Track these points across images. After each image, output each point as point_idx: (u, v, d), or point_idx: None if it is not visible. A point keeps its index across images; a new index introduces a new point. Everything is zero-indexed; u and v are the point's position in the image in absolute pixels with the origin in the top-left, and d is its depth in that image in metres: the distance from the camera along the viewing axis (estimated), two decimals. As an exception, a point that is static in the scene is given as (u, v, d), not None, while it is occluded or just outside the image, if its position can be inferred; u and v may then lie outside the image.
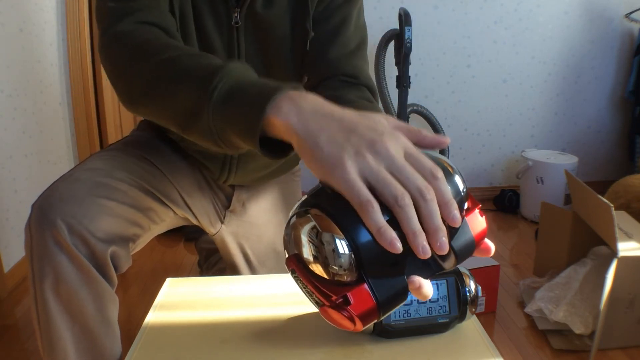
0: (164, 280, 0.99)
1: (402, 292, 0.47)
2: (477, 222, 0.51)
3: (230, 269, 1.19)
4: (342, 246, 0.44)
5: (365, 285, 0.45)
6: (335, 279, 0.45)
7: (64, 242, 0.76)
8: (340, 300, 0.45)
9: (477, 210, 0.51)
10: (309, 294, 0.48)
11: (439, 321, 0.80)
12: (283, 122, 0.48)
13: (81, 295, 0.78)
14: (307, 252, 0.46)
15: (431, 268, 0.50)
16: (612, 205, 1.37)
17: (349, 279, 0.45)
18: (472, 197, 0.52)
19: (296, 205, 0.48)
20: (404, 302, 0.49)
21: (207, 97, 0.55)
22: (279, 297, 0.87)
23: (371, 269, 0.45)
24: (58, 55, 2.20)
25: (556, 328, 1.53)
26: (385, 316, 0.47)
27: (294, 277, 0.48)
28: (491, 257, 1.70)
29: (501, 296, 1.76)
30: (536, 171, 2.42)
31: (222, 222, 1.12)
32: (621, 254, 1.36)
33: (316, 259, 0.45)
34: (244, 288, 0.89)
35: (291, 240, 0.48)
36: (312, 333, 0.80)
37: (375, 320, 0.47)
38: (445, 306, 0.81)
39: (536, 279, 1.80)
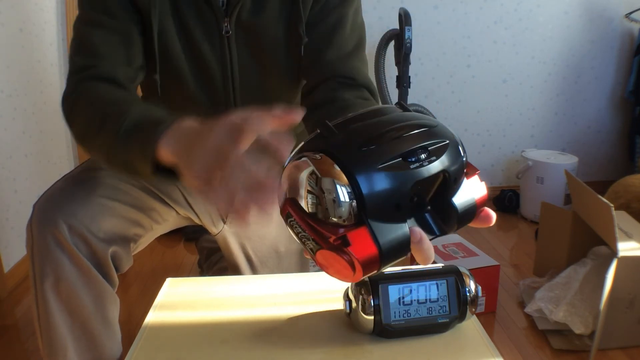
0: (164, 280, 0.99)
1: (404, 242, 0.45)
2: (477, 186, 0.51)
3: (231, 268, 1.20)
4: (343, 188, 0.43)
5: (367, 228, 0.43)
6: (335, 220, 0.43)
7: (64, 241, 0.76)
8: (339, 241, 0.43)
9: (476, 176, 0.51)
10: (306, 239, 0.46)
11: (439, 321, 0.80)
12: (165, 152, 0.58)
13: (81, 295, 0.78)
14: (305, 193, 0.45)
15: (432, 229, 0.48)
16: (612, 205, 1.37)
17: (349, 222, 0.43)
18: (471, 165, 0.52)
19: (292, 153, 0.48)
20: (405, 256, 0.47)
21: (115, 142, 0.66)
22: (279, 297, 0.87)
23: (372, 210, 0.43)
24: (58, 55, 2.20)
25: (556, 328, 1.53)
26: (385, 267, 0.45)
27: (290, 223, 0.47)
28: (491, 257, 1.70)
29: (501, 296, 1.76)
30: (536, 171, 2.42)
31: (224, 222, 1.13)
32: (621, 254, 1.36)
33: (315, 199, 0.44)
34: (244, 288, 0.89)
35: (287, 184, 0.47)
36: (312, 333, 0.80)
37: (375, 271, 0.45)
38: (445, 306, 0.81)
39: (536, 279, 1.80)
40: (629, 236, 1.48)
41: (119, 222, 0.85)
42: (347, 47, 0.92)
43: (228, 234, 1.15)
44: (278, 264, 1.18)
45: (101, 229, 0.80)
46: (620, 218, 1.61)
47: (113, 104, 0.71)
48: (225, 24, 0.85)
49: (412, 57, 2.35)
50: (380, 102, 0.95)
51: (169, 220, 1.01)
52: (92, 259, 0.79)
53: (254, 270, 1.17)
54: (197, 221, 1.10)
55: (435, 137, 0.48)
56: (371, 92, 0.91)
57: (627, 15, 2.58)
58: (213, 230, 1.14)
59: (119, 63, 0.81)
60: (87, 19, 0.81)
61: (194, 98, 0.91)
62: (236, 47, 0.88)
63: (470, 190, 0.51)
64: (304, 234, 0.46)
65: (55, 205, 0.78)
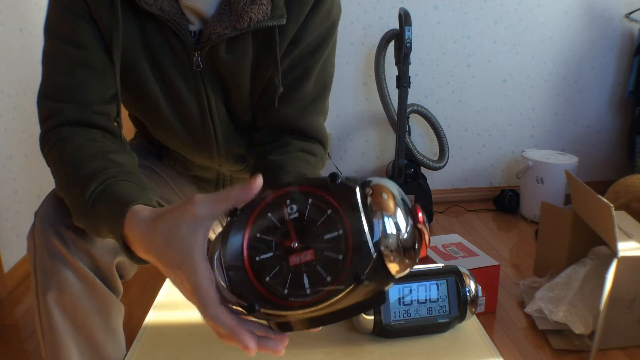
0: (164, 280, 0.99)
1: None
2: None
3: None
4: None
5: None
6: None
7: (67, 254, 0.74)
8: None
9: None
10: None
11: (439, 321, 0.80)
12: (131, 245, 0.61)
13: (86, 307, 0.77)
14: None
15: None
16: (612, 205, 1.37)
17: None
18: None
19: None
20: None
21: (84, 210, 0.67)
22: (279, 297, 0.87)
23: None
24: (58, 55, 2.20)
25: (556, 328, 1.53)
26: None
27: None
28: (491, 257, 1.70)
29: (501, 296, 1.76)
30: (536, 171, 2.42)
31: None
32: (621, 254, 1.36)
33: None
34: (244, 288, 0.89)
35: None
36: (312, 333, 0.80)
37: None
38: (445, 306, 0.81)
39: (536, 279, 1.80)
40: (629, 236, 1.48)
41: None
42: (306, 99, 0.86)
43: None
44: None
45: (105, 240, 0.79)
46: (620, 218, 1.61)
47: (76, 171, 0.71)
48: (196, 58, 0.80)
49: (412, 57, 2.35)
50: (329, 152, 0.93)
51: None
52: (97, 271, 0.78)
53: None
54: None
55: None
56: (321, 143, 0.88)
57: (627, 15, 2.57)
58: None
59: (88, 102, 0.77)
60: (53, 53, 0.77)
61: (175, 132, 0.89)
62: (209, 80, 0.83)
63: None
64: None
65: (58, 215, 0.75)
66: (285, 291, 0.47)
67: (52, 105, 0.76)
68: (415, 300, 0.80)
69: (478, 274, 1.60)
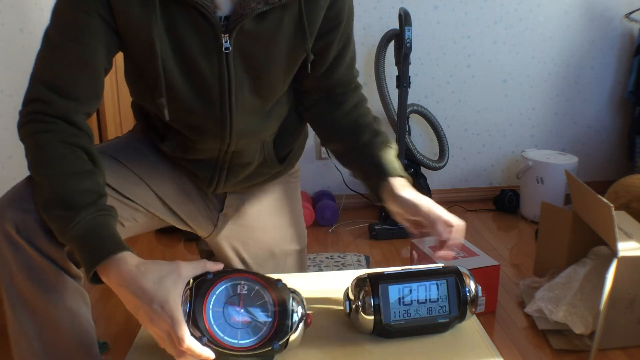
0: (164, 280, 0.99)
1: None
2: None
3: None
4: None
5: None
6: None
7: (14, 235, 0.78)
8: None
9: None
10: None
11: (439, 321, 0.80)
12: (107, 283, 0.74)
13: (37, 289, 0.80)
14: None
15: None
16: (612, 205, 1.37)
17: None
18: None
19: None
20: None
21: (61, 238, 0.77)
22: (279, 297, 0.87)
23: None
24: (58, 55, 2.19)
25: (556, 328, 1.53)
26: None
27: None
28: (491, 257, 1.70)
29: (501, 296, 1.76)
30: (536, 171, 2.42)
31: (215, 225, 1.11)
32: (621, 254, 1.36)
33: None
34: (244, 288, 0.89)
35: None
36: (313, 333, 0.80)
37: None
38: (445, 306, 0.80)
39: (536, 279, 1.80)
40: (629, 236, 1.48)
41: None
42: (349, 62, 1.02)
43: (220, 237, 1.13)
44: (275, 266, 1.17)
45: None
46: (620, 218, 1.61)
47: (63, 184, 0.78)
48: (225, 40, 0.84)
49: (412, 57, 2.35)
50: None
51: (137, 221, 1.00)
52: (46, 254, 0.80)
53: None
54: (182, 226, 1.09)
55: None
56: (360, 85, 1.08)
57: (627, 15, 2.57)
58: (203, 233, 1.12)
59: (78, 100, 0.82)
60: (56, 42, 0.82)
61: (191, 112, 0.91)
62: (234, 62, 0.87)
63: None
64: None
65: (12, 198, 0.80)
66: (224, 336, 0.72)
67: (45, 92, 0.81)
68: (415, 300, 0.80)
69: (478, 274, 1.60)
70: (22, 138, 0.83)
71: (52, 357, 0.82)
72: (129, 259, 0.74)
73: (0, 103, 1.75)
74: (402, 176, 0.93)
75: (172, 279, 0.72)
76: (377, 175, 0.94)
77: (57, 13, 0.82)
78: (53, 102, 0.81)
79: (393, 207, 0.90)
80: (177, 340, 0.69)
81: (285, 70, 0.93)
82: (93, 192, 0.78)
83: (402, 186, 0.91)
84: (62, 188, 0.77)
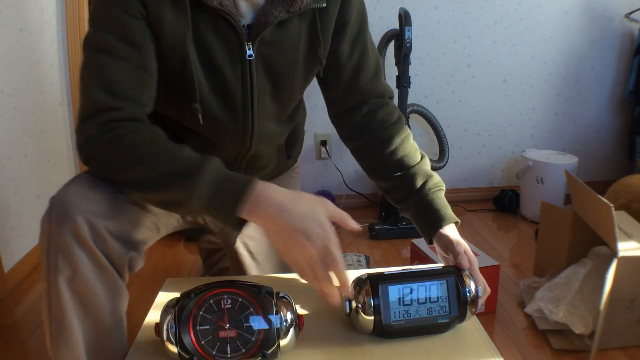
0: (164, 280, 0.99)
1: None
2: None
3: (234, 265, 1.20)
4: None
5: None
6: None
7: (84, 238, 0.76)
8: None
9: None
10: None
11: (439, 321, 0.80)
12: (252, 219, 0.76)
13: (96, 290, 0.79)
14: None
15: None
16: (612, 205, 1.37)
17: None
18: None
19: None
20: None
21: (192, 197, 0.75)
22: (279, 297, 0.87)
23: None
24: (58, 55, 2.20)
25: (556, 328, 1.53)
26: None
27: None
28: (491, 257, 1.70)
29: (501, 296, 1.76)
30: (536, 171, 2.42)
31: None
32: (621, 254, 1.36)
33: None
34: (244, 288, 0.89)
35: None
36: (312, 333, 0.80)
37: None
38: (445, 306, 0.80)
39: (536, 279, 1.80)
40: (629, 236, 1.48)
41: (135, 225, 0.85)
42: (372, 70, 1.04)
43: (230, 231, 1.15)
44: (282, 261, 1.18)
45: (120, 230, 0.81)
46: (620, 218, 1.61)
47: (169, 159, 0.78)
48: (249, 48, 0.86)
49: (412, 57, 2.35)
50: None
51: (173, 223, 1.03)
52: (110, 258, 0.80)
53: (257, 266, 1.18)
54: (199, 221, 1.11)
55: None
56: (391, 97, 1.09)
57: (627, 15, 2.57)
58: (215, 228, 1.14)
59: (143, 103, 0.82)
60: (103, 46, 0.79)
61: (215, 119, 0.92)
62: (256, 70, 0.89)
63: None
64: None
65: (76, 201, 0.78)
66: (214, 352, 0.72)
67: (112, 100, 0.79)
68: (415, 300, 0.80)
69: (478, 274, 1.60)
70: (101, 147, 0.79)
71: (93, 357, 0.82)
72: (269, 187, 0.75)
73: (0, 103, 1.75)
74: (455, 222, 0.97)
75: (321, 203, 0.77)
76: (432, 223, 0.97)
77: (95, 18, 0.80)
78: (124, 109, 0.80)
79: (439, 249, 0.96)
80: (332, 260, 0.72)
81: (303, 77, 0.96)
82: (196, 154, 0.79)
83: (452, 232, 0.95)
84: (172, 158, 0.77)
